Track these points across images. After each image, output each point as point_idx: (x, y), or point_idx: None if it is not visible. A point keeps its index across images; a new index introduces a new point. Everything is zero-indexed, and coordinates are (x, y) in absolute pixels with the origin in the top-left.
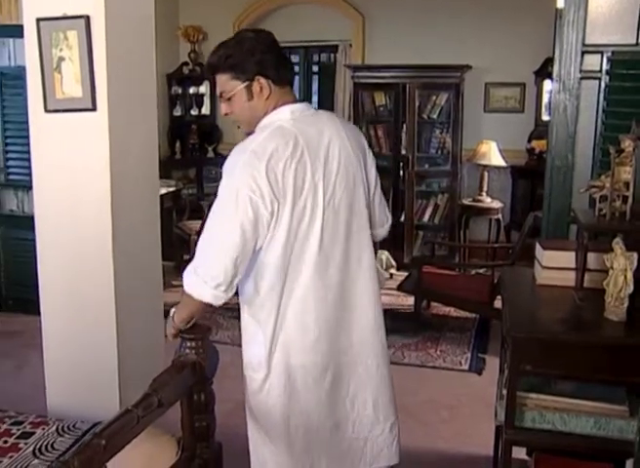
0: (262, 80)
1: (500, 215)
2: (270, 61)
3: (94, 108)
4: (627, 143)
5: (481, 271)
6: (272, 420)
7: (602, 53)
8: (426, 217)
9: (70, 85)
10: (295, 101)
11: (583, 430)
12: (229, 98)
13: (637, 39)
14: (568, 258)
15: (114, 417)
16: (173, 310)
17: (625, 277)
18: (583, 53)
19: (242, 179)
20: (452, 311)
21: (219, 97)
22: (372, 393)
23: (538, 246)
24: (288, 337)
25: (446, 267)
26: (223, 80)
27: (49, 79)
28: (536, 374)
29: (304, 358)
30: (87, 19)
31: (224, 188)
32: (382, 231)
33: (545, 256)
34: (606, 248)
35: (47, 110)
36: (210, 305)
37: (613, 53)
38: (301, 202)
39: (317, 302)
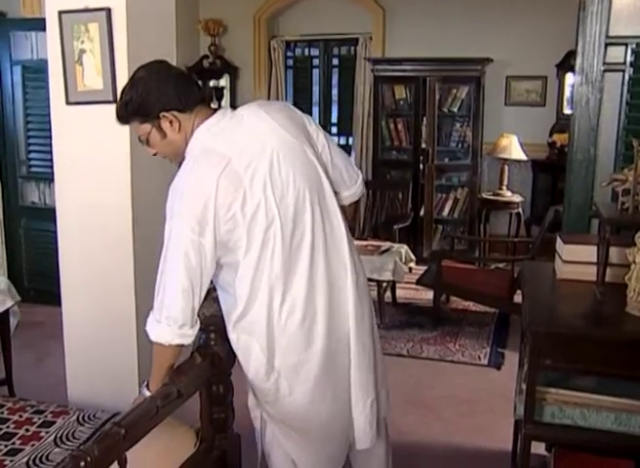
0: (168, 114)
1: (520, 210)
2: (169, 93)
3: (114, 100)
4: None
5: (501, 265)
6: (296, 420)
7: (626, 44)
8: (446, 211)
9: (91, 77)
10: (209, 115)
11: (604, 426)
12: (147, 140)
13: None
14: (589, 253)
15: (134, 407)
16: (144, 386)
17: None
18: (607, 45)
19: (180, 222)
20: (471, 305)
21: (139, 141)
22: (362, 374)
23: (558, 240)
24: (289, 340)
25: (465, 261)
26: (135, 126)
27: (70, 71)
28: (555, 369)
29: (312, 353)
30: (108, 11)
31: (167, 232)
32: (357, 188)
33: (566, 251)
34: (628, 242)
35: (68, 102)
36: (181, 346)
37: (637, 44)
38: (250, 214)
39: (307, 297)
